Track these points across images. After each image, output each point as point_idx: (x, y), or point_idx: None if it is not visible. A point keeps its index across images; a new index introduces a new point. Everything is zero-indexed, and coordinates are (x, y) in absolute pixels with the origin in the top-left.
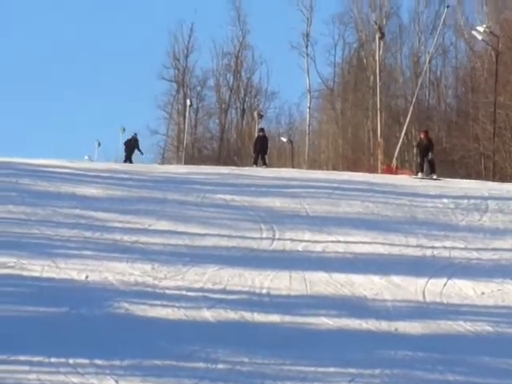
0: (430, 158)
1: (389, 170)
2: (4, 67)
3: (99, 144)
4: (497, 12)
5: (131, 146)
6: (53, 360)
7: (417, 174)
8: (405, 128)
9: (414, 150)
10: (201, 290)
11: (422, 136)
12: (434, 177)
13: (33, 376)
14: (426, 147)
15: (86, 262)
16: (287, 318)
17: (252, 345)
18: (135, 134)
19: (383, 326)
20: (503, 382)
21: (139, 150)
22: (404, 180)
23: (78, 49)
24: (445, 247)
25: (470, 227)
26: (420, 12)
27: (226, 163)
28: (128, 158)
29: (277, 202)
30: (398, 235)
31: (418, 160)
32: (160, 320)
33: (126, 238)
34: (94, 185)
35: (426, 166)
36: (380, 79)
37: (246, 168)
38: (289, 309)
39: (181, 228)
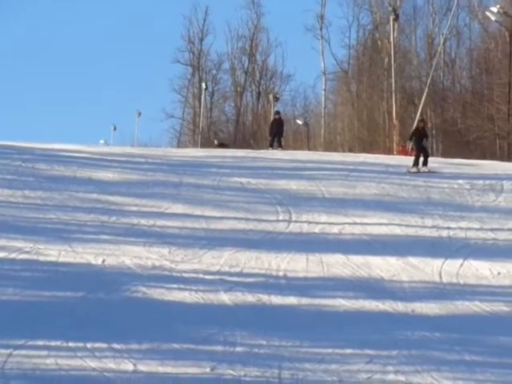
0: (423, 145)
1: (404, 152)
2: (22, 52)
3: (115, 128)
4: None
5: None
6: (70, 344)
7: (413, 167)
8: (420, 109)
9: (410, 142)
10: (218, 273)
11: (422, 125)
12: (426, 170)
13: (51, 360)
14: (421, 136)
15: (102, 247)
16: (304, 300)
17: (269, 327)
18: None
19: (400, 307)
20: None
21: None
22: (404, 169)
23: (93, 33)
24: (461, 228)
25: (486, 208)
26: None
27: (241, 146)
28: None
29: (293, 185)
30: (414, 216)
31: (417, 153)
32: (177, 303)
33: (143, 221)
34: (110, 169)
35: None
36: (395, 61)
37: (262, 151)
38: (306, 291)
39: (197, 211)
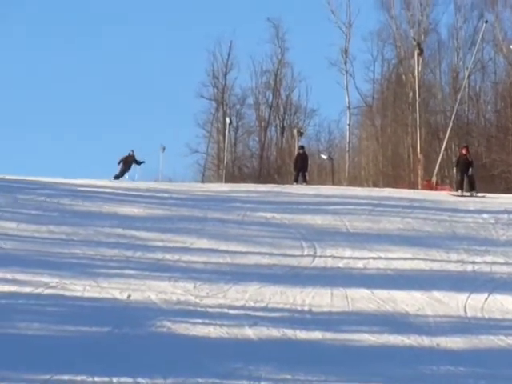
0: (469, 174)
1: (429, 186)
2: (41, 83)
3: (143, 161)
4: None
5: (128, 162)
6: (96, 379)
7: (457, 191)
8: (444, 144)
9: (454, 169)
10: (243, 307)
11: (464, 152)
12: (475, 194)
13: None
14: (466, 163)
15: (128, 282)
16: (329, 335)
17: (294, 362)
18: (132, 151)
19: (425, 341)
20: None
21: (138, 163)
22: (444, 196)
23: (117, 67)
24: (486, 262)
25: (511, 242)
26: (458, 28)
27: (266, 181)
28: (121, 175)
29: (317, 220)
30: (439, 251)
31: (458, 177)
32: (202, 338)
33: (168, 256)
34: (135, 204)
35: (465, 183)
36: (419, 95)
37: (287, 186)
38: (331, 326)
39: (222, 246)
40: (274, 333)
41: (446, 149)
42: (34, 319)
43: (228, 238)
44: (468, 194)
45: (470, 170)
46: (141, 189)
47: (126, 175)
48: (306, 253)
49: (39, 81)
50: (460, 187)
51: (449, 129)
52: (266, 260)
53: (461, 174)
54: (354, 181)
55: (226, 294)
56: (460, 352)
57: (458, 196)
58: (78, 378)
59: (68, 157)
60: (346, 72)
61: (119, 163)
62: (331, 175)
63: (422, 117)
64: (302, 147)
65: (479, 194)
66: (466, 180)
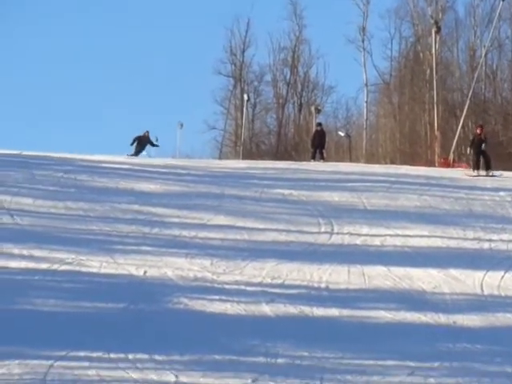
0: (482, 149)
1: (446, 164)
2: (60, 62)
3: (156, 140)
4: None
5: (142, 142)
6: (112, 355)
7: (473, 171)
8: (461, 121)
9: (468, 150)
10: (260, 284)
11: (479, 131)
12: (491, 173)
13: (92, 372)
14: (480, 143)
15: (144, 258)
16: (346, 312)
17: (311, 339)
18: (147, 132)
19: (442, 319)
20: None
21: (154, 145)
22: (461, 173)
23: (134, 44)
24: (502, 240)
25: None
26: (476, 5)
27: (283, 158)
28: (136, 155)
29: (335, 196)
30: (456, 228)
31: (474, 157)
32: (219, 315)
33: (185, 233)
34: (152, 180)
35: (482, 162)
36: (436, 73)
37: (304, 162)
38: (347, 303)
39: (239, 223)
40: (291, 310)
41: (462, 126)
42: (50, 295)
43: (245, 215)
44: (484, 173)
45: (483, 145)
46: (158, 165)
47: (144, 152)
48: (323, 230)
49: (57, 58)
50: (476, 167)
51: (466, 107)
52: (283, 237)
53: (476, 154)
54: (371, 158)
55: (243, 271)
56: (476, 330)
57: (475, 176)
58: (94, 354)
59: (86, 133)
60: (364, 49)
61: (132, 143)
62: (348, 152)
63: (439, 94)
64: (319, 124)
65: (496, 173)
66: (482, 159)
